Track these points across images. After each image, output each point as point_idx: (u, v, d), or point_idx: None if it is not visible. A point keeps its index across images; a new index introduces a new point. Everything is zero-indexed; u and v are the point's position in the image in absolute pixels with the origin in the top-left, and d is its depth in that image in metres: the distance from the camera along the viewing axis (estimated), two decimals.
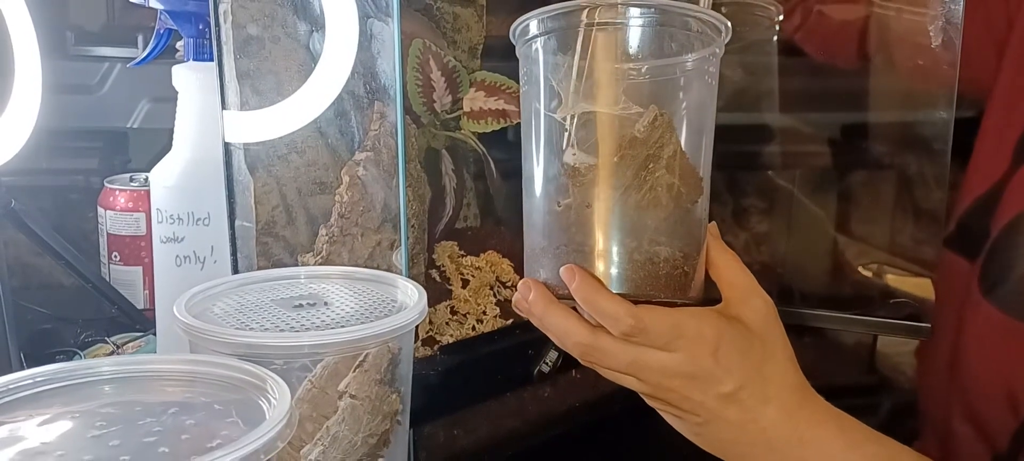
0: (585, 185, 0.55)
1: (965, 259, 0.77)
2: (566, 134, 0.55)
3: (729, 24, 0.56)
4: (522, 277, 0.59)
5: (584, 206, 0.55)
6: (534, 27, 0.56)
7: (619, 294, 0.55)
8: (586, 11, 0.55)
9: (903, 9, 0.83)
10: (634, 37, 0.55)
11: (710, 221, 0.59)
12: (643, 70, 0.55)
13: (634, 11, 0.55)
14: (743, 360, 0.56)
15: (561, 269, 0.55)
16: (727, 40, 0.57)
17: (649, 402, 0.59)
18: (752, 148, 1.05)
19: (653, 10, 0.55)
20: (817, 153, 1.05)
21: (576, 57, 0.55)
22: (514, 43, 0.58)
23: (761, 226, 1.08)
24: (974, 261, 0.75)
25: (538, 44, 0.56)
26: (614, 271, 0.55)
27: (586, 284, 0.54)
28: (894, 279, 0.95)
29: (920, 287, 0.86)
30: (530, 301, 0.57)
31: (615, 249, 0.55)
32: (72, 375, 0.50)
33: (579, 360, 0.57)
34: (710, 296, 0.59)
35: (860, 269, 1.01)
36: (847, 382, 1.20)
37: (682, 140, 0.55)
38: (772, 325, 0.58)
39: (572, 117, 0.55)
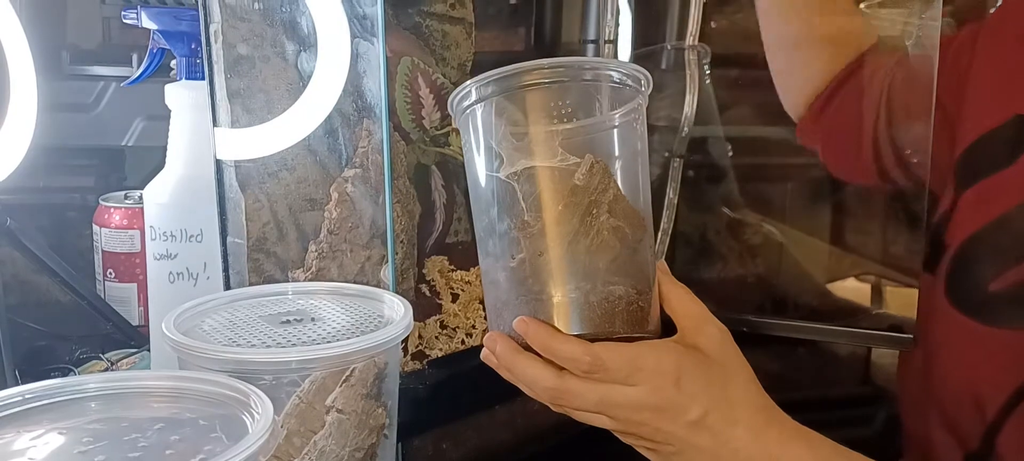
0: (535, 237, 0.57)
1: (928, 272, 0.80)
2: (515, 191, 0.57)
3: (649, 76, 0.59)
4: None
5: (537, 257, 0.57)
6: (474, 94, 0.59)
7: (581, 334, 0.56)
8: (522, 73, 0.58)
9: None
10: (565, 93, 0.58)
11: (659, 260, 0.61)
12: (575, 124, 0.57)
13: (563, 69, 0.58)
14: (706, 386, 0.57)
15: (514, 323, 0.57)
16: (649, 91, 0.60)
17: (623, 439, 0.60)
18: (725, 161, 1.06)
19: (580, 67, 0.59)
20: (794, 166, 1.07)
21: None
22: (452, 113, 0.61)
23: (747, 238, 1.09)
24: (935, 273, 0.78)
25: (477, 109, 0.59)
26: (573, 314, 0.57)
27: (540, 332, 0.56)
28: (877, 290, 0.96)
29: (902, 297, 0.87)
30: (497, 354, 0.58)
31: (572, 293, 0.57)
32: (61, 391, 0.51)
33: (551, 407, 0.59)
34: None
35: (842, 281, 1.02)
36: (842, 393, 1.20)
37: (619, 184, 0.58)
38: (729, 349, 0.59)
39: (516, 174, 0.57)
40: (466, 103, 0.59)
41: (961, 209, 0.76)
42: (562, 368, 0.57)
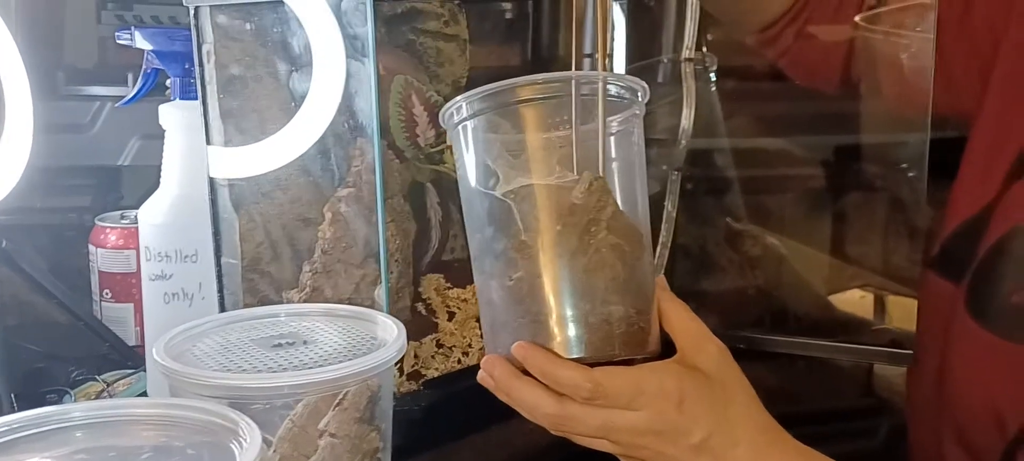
0: (533, 256, 0.56)
1: (950, 282, 0.77)
2: (511, 210, 0.56)
3: (646, 86, 0.58)
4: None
5: (534, 277, 0.56)
6: (465, 109, 0.58)
7: (580, 358, 0.56)
8: (572, 82, 0.57)
9: (886, 33, 0.85)
10: (561, 108, 0.57)
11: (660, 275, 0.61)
12: (570, 132, 0.56)
13: (558, 84, 0.57)
14: (708, 408, 0.57)
15: (512, 348, 0.56)
16: (646, 101, 0.59)
17: None
18: (721, 173, 1.06)
19: (575, 81, 0.57)
20: (793, 177, 1.06)
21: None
22: (444, 127, 0.60)
23: (747, 251, 1.08)
24: (959, 284, 0.75)
25: (470, 125, 0.58)
26: (571, 336, 0.56)
27: (540, 358, 0.55)
28: (876, 304, 0.95)
29: (902, 310, 0.86)
30: (496, 378, 0.58)
31: (570, 315, 0.56)
32: (46, 421, 0.51)
33: (551, 431, 0.58)
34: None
35: (843, 293, 1.01)
36: (844, 406, 1.19)
37: (618, 196, 0.56)
38: (728, 368, 0.59)
39: (513, 192, 0.56)
40: (457, 118, 0.59)
41: (998, 215, 0.74)
42: (562, 393, 0.56)
